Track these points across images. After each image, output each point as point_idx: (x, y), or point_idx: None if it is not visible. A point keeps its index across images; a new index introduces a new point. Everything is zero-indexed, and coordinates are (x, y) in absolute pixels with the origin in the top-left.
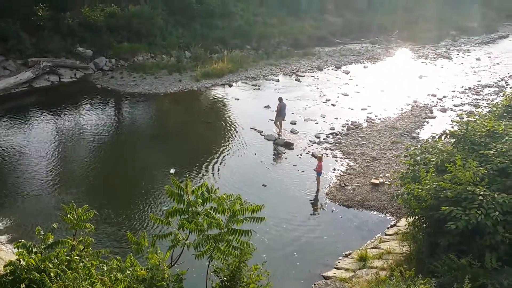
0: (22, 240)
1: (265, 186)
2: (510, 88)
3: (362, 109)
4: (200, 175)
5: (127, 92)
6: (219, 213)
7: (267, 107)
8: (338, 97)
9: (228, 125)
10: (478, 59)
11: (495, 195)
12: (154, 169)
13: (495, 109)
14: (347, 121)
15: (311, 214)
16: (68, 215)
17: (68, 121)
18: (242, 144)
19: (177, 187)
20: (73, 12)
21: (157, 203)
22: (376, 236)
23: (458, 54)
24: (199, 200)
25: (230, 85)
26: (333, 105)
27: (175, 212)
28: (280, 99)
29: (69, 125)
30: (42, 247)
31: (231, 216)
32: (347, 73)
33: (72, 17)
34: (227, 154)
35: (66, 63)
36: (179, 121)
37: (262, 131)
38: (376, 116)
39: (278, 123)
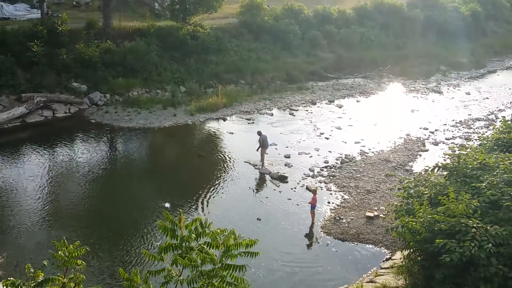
0: (11, 278)
1: (260, 220)
2: (500, 121)
3: (355, 142)
4: (194, 209)
5: (121, 127)
6: (213, 248)
7: None
8: (331, 130)
9: (223, 158)
10: (468, 94)
11: (488, 227)
12: (148, 204)
13: (486, 142)
14: (340, 154)
15: (306, 248)
16: (59, 252)
17: (62, 155)
18: (236, 177)
19: (170, 222)
20: (68, 48)
21: (151, 238)
22: (372, 270)
23: (448, 89)
24: (193, 235)
25: (225, 119)
26: (326, 138)
27: (168, 248)
28: (259, 133)
29: (62, 160)
30: (32, 285)
31: (225, 251)
32: (340, 107)
33: (67, 53)
34: (221, 188)
35: (61, 98)
36: (174, 154)
37: (256, 165)
38: (369, 149)
39: (263, 154)
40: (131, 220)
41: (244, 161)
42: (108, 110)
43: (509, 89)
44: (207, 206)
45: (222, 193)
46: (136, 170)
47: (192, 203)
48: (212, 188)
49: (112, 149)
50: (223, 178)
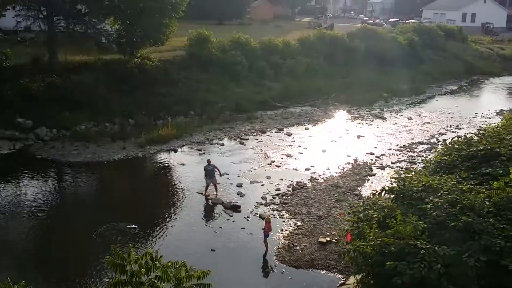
0: None
1: (214, 250)
2: (441, 144)
3: (305, 169)
4: (145, 242)
5: (69, 162)
6: (164, 282)
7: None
8: (282, 158)
9: (175, 190)
10: (410, 119)
11: (436, 248)
12: (98, 240)
13: (429, 165)
14: (292, 181)
15: (261, 277)
16: None
17: (5, 193)
18: (189, 209)
19: (118, 257)
20: (13, 83)
21: (101, 275)
22: None
23: (391, 114)
24: (143, 269)
25: (175, 151)
26: (277, 166)
27: (118, 284)
28: (209, 161)
29: (5, 199)
30: None
31: (176, 284)
32: (290, 135)
33: (11, 88)
34: (174, 220)
35: (5, 135)
36: (123, 188)
37: (208, 195)
38: (319, 175)
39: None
40: (80, 258)
41: (197, 192)
42: (54, 145)
43: (448, 113)
44: (159, 238)
45: (175, 225)
46: (84, 207)
47: (144, 237)
48: (164, 221)
49: (59, 185)
50: (176, 210)
